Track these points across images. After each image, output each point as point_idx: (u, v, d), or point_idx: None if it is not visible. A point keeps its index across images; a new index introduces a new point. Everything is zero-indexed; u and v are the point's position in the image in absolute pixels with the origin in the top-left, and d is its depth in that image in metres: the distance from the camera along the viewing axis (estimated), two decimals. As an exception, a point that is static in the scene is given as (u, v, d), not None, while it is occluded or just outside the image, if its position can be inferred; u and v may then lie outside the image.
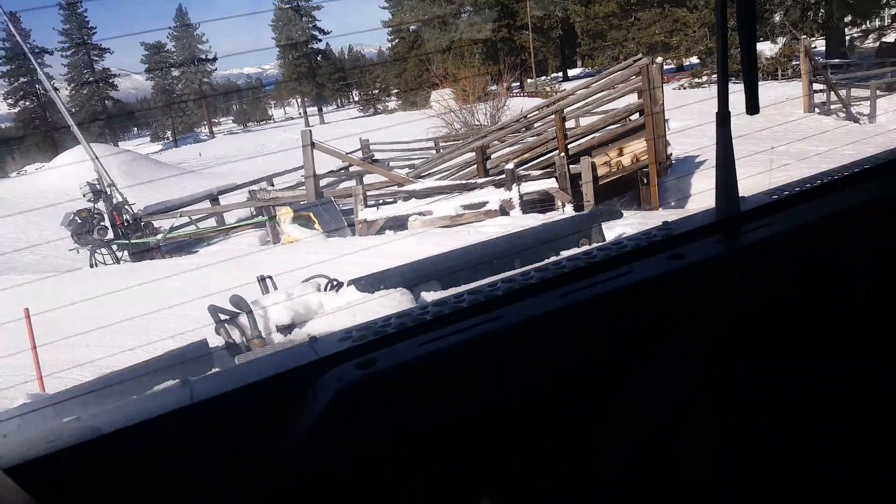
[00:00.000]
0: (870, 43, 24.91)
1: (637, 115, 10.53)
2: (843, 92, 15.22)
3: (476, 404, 0.84)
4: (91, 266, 11.63)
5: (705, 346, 0.94)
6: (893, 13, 23.42)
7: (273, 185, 14.21)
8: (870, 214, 1.10)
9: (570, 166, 10.26)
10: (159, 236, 12.11)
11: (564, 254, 2.52)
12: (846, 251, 1.08)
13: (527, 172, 10.29)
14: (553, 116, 10.84)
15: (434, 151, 17.29)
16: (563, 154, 10.37)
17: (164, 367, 2.31)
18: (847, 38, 26.10)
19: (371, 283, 2.84)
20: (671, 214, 8.31)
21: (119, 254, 11.94)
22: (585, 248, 2.06)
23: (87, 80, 55.02)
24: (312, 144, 10.89)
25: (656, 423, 0.90)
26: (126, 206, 12.26)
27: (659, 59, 10.65)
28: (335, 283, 3.08)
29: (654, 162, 10.26)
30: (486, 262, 2.64)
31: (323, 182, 12.60)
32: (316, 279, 3.17)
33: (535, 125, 11.76)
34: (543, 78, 45.52)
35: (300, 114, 62.43)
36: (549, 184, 9.97)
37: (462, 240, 6.32)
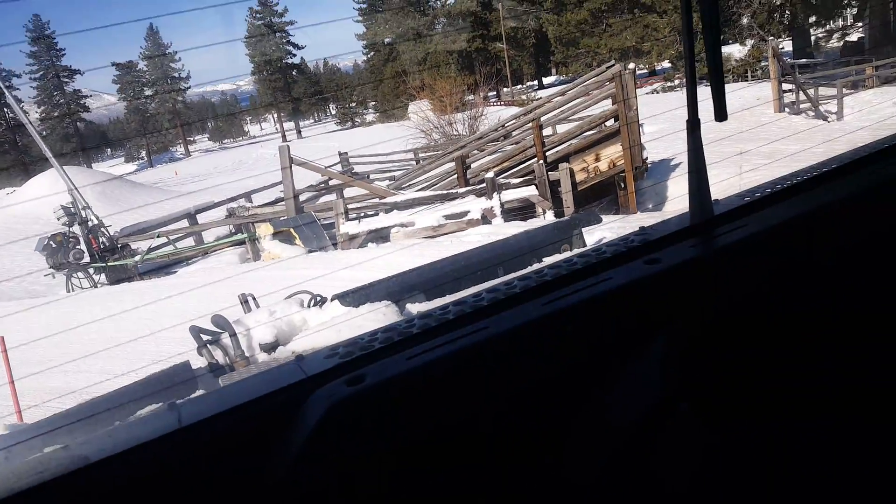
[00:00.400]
0: (834, 42, 25.55)
1: (612, 120, 10.66)
2: (811, 91, 15.53)
3: (465, 415, 0.84)
4: (68, 291, 11.43)
5: (683, 348, 0.96)
6: (855, 13, 24.01)
7: (251, 202, 14.11)
8: (841, 212, 1.12)
9: (549, 173, 10.34)
10: (137, 258, 11.94)
11: (547, 261, 2.53)
12: (819, 249, 1.10)
13: (507, 180, 10.34)
14: (531, 124, 10.93)
15: (414, 163, 17.34)
16: (541, 161, 10.46)
17: (147, 391, 2.27)
18: (812, 38, 26.73)
19: (355, 298, 2.82)
20: (649, 218, 8.40)
21: (96, 277, 11.74)
22: (567, 254, 2.07)
23: (58, 103, 54.36)
24: (290, 160, 10.84)
25: (637, 425, 0.90)
26: (102, 229, 12.07)
27: (631, 65, 10.81)
28: (319, 298, 3.05)
29: (630, 167, 10.39)
30: (470, 272, 2.64)
31: (303, 197, 12.54)
32: (299, 295, 3.14)
33: (514, 134, 11.84)
34: (519, 87, 45.99)
35: (277, 129, 62.27)
36: (530, 191, 10.03)
37: (445, 250, 6.33)
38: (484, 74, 29.06)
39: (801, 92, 15.69)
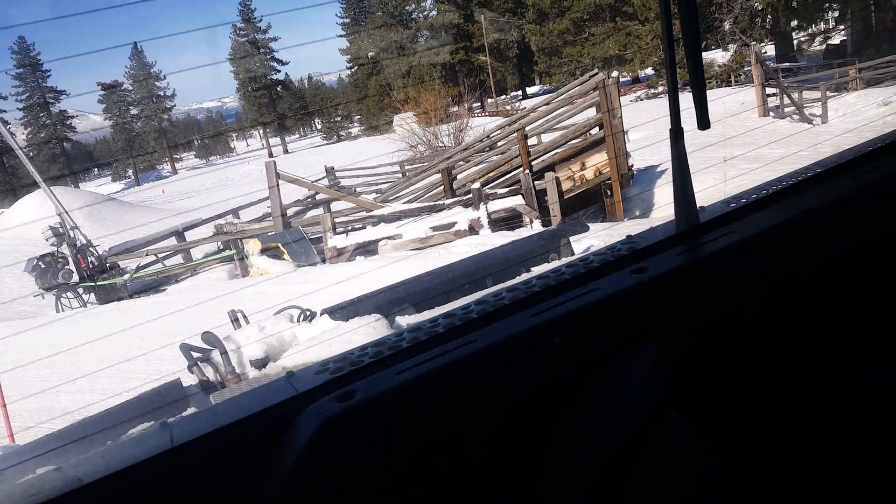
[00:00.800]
0: (816, 46, 25.90)
1: (597, 129, 10.74)
2: (795, 95, 15.63)
3: (455, 429, 0.84)
4: (57, 311, 11.32)
5: (671, 356, 0.96)
6: (836, 16, 24.38)
7: (239, 218, 14.06)
8: (827, 216, 1.12)
9: (535, 182, 10.37)
10: (126, 277, 11.85)
11: (535, 271, 2.55)
12: (805, 254, 1.10)
13: (493, 191, 10.37)
14: (516, 134, 10.98)
15: (400, 175, 17.36)
16: (527, 171, 10.50)
17: (139, 411, 2.26)
18: (795, 42, 27.07)
19: (345, 312, 2.82)
20: (636, 225, 8.46)
21: (85, 297, 11.64)
22: (555, 264, 2.09)
23: (45, 124, 54.01)
24: (277, 175, 10.83)
25: (626, 434, 0.90)
26: (90, 248, 11.99)
27: (615, 73, 10.90)
28: (308, 313, 3.05)
29: (616, 175, 10.45)
30: (458, 284, 2.66)
31: (290, 212, 12.51)
32: (288, 310, 3.12)
33: (499, 144, 11.90)
34: (503, 97, 46.23)
35: (263, 145, 62.12)
36: (516, 201, 10.06)
37: (433, 262, 6.34)
38: (468, 86, 29.20)
39: (785, 96, 15.79)
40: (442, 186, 11.25)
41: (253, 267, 10.05)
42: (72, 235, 11.88)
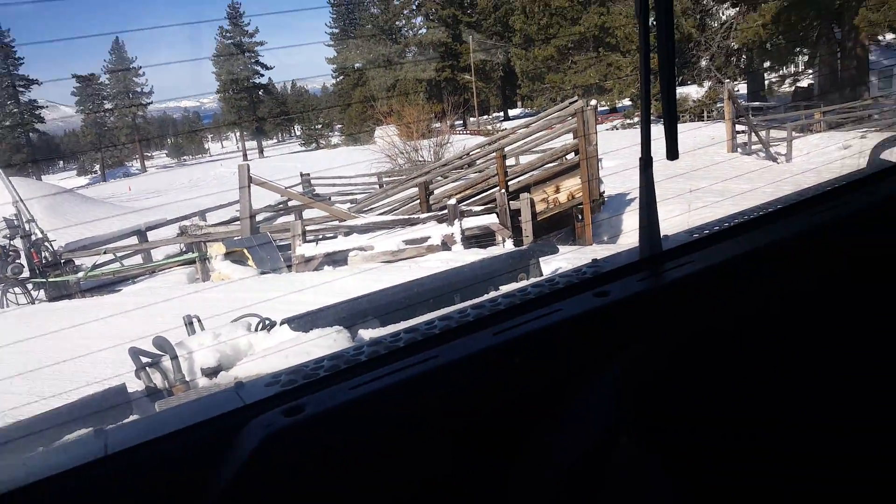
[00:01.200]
0: (786, 87, 26.88)
1: (573, 154, 10.88)
2: (763, 133, 16.21)
3: (411, 448, 0.81)
4: (2, 307, 10.88)
5: (630, 380, 0.97)
6: (806, 60, 25.34)
7: (206, 221, 13.81)
8: (784, 251, 1.17)
9: (511, 202, 10.48)
10: (80, 274, 11.47)
11: (503, 289, 2.51)
12: (762, 287, 1.13)
13: (469, 208, 10.41)
14: (494, 154, 11.06)
15: (377, 186, 17.31)
16: (503, 191, 10.57)
17: (75, 415, 2.14)
18: (766, 82, 28.07)
19: (306, 323, 2.75)
20: (603, 250, 8.54)
21: (35, 293, 11.23)
22: (523, 283, 2.05)
23: (11, 111, 52.73)
24: (249, 179, 10.68)
25: (584, 457, 0.91)
26: (46, 243, 11.61)
27: (593, 102, 11.11)
28: (267, 322, 2.97)
29: (588, 199, 10.59)
30: (425, 298, 2.60)
31: (260, 217, 12.34)
32: (246, 318, 3.05)
33: (478, 162, 11.97)
34: (486, 117, 46.81)
35: (238, 148, 61.64)
36: (491, 219, 10.11)
37: (403, 275, 6.26)
38: (451, 103, 29.49)
39: (753, 133, 16.34)
40: (418, 200, 11.24)
41: (214, 271, 9.85)
42: (27, 228, 11.49)
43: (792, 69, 26.10)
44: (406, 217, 10.43)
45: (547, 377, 0.92)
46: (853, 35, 21.46)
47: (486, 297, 1.17)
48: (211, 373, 2.74)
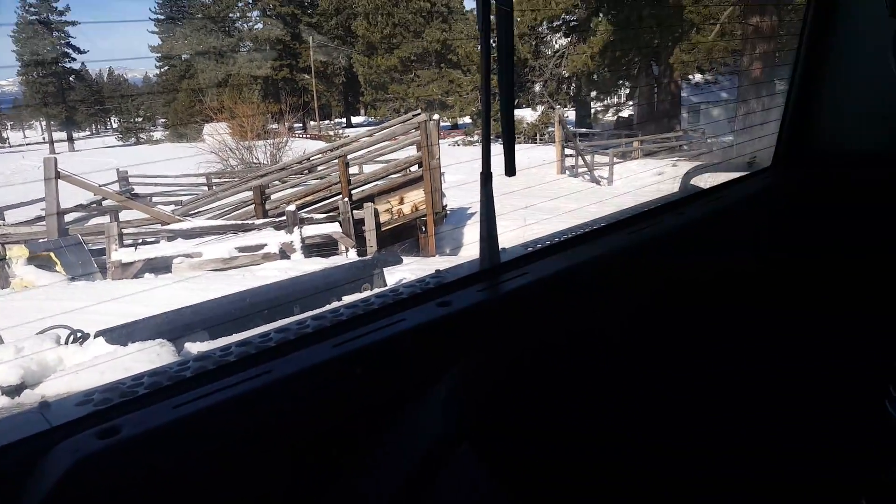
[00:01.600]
0: (610, 116, 29.75)
1: (416, 166, 11.10)
2: (588, 157, 17.85)
3: (242, 469, 0.77)
4: None
5: (469, 388, 0.99)
6: (628, 92, 28.27)
7: (3, 220, 12.06)
8: (607, 264, 1.27)
9: (354, 212, 10.41)
10: None
11: (346, 299, 2.49)
12: (589, 300, 1.22)
13: (309, 215, 10.17)
14: (337, 161, 10.94)
15: (206, 188, 16.28)
16: (346, 199, 10.48)
17: None
18: (593, 110, 30.84)
19: (123, 335, 2.53)
20: (445, 261, 8.83)
21: None
22: (367, 293, 2.06)
23: None
24: (57, 173, 9.51)
25: (422, 465, 0.91)
26: None
27: (436, 116, 11.44)
28: (79, 334, 2.70)
29: (431, 211, 10.88)
30: (261, 309, 2.50)
31: (70, 217, 11.02)
32: (55, 330, 2.76)
33: (319, 168, 11.74)
34: (327, 122, 46.09)
35: (44, 139, 54.56)
36: (333, 228, 9.97)
37: (236, 284, 5.95)
38: (290, 105, 28.63)
39: (580, 157, 17.92)
40: (253, 205, 10.75)
41: (15, 277, 8.63)
42: None
43: (615, 99, 28.94)
44: (239, 222, 9.95)
45: (389, 387, 0.92)
46: (668, 72, 24.35)
47: (328, 307, 1.16)
48: (12, 391, 2.44)
